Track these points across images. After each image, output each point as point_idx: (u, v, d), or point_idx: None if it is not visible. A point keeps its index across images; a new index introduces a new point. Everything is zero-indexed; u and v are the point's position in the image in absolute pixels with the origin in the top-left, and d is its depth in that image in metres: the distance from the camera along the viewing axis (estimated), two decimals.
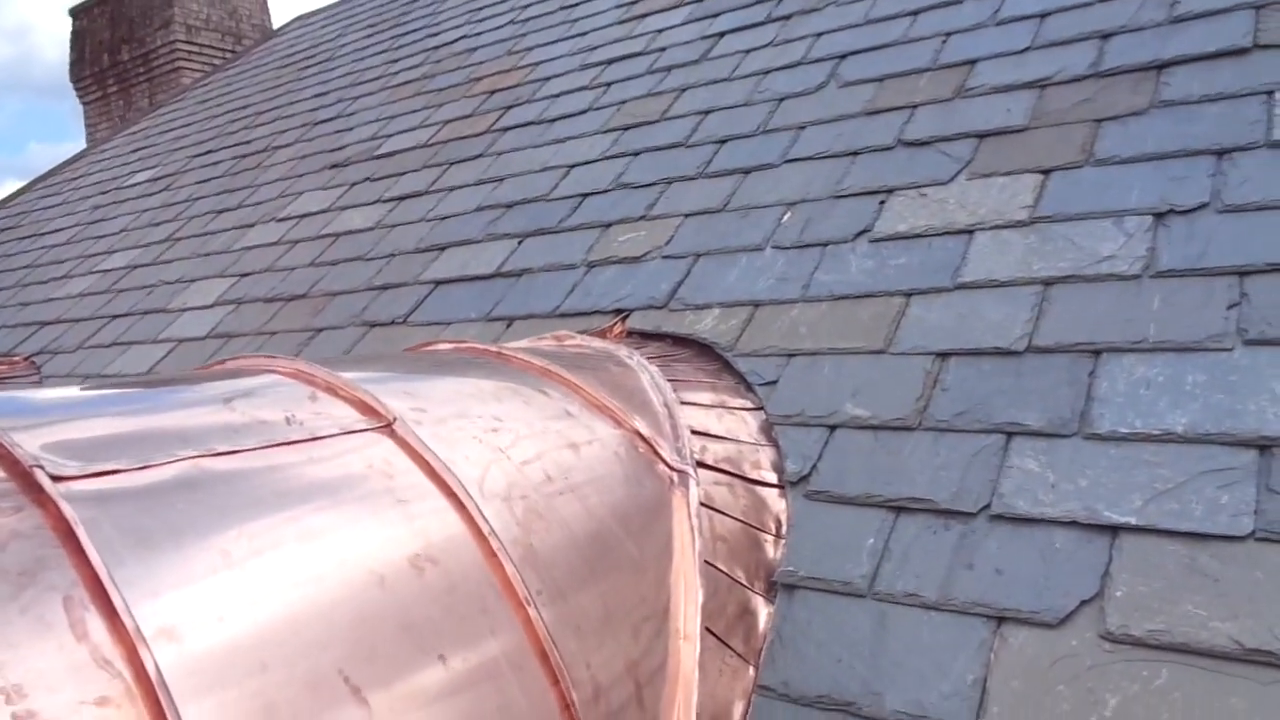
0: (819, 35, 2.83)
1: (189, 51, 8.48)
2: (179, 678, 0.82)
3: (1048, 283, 1.66)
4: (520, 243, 2.65)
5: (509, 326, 2.32)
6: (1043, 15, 2.36)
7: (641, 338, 2.03)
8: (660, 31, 3.44)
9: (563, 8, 4.22)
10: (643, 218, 2.44)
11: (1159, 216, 1.67)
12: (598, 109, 3.12)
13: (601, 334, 2.08)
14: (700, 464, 1.51)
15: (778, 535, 1.49)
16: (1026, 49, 2.27)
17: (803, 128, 2.44)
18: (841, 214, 2.07)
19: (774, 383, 1.75)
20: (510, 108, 3.52)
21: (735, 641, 1.34)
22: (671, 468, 1.47)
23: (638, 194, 2.55)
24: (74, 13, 9.19)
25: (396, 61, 4.83)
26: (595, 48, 3.61)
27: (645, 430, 1.51)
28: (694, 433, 1.59)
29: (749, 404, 1.72)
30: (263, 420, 1.16)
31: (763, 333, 1.87)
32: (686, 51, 3.19)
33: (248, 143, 4.97)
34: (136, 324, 3.57)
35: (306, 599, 0.96)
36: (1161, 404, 1.38)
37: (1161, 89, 1.94)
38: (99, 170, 6.14)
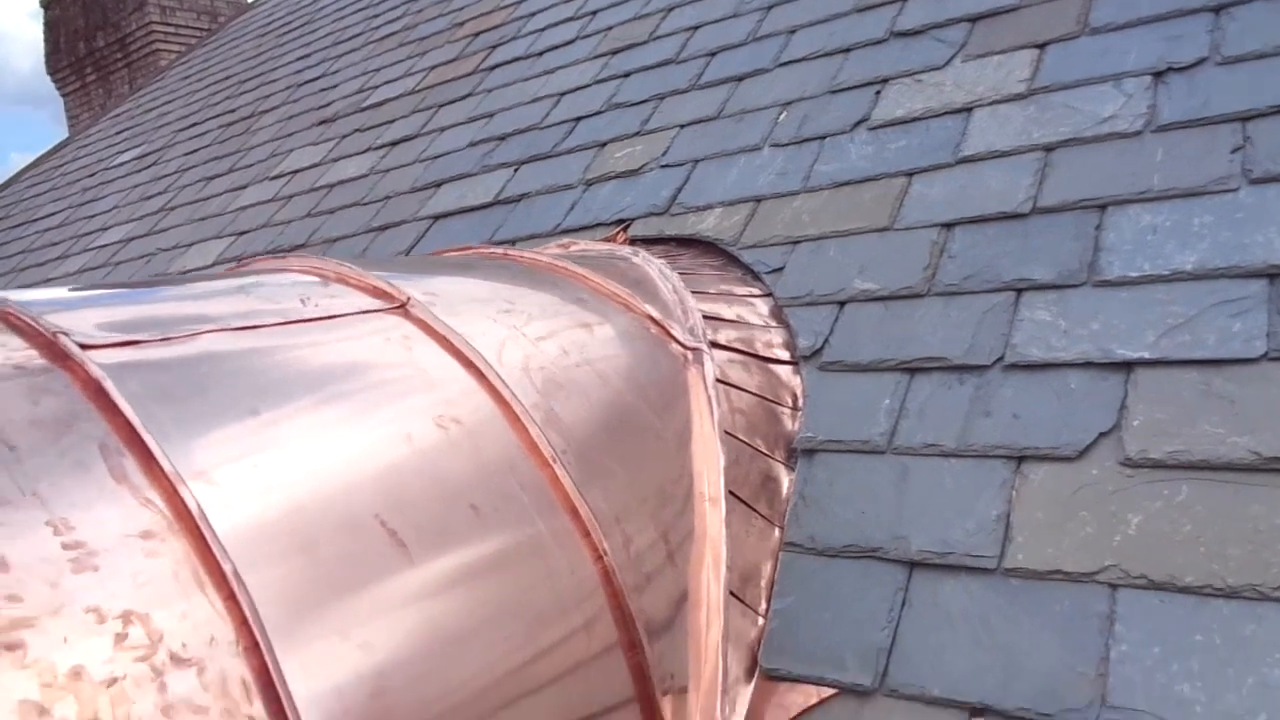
0: None
1: (165, 33, 8.35)
2: (220, 516, 0.83)
3: (1049, 148, 1.65)
4: (516, 170, 2.64)
5: (512, 247, 2.31)
6: None
7: (645, 243, 2.02)
8: None
9: None
10: (638, 133, 2.43)
11: (1158, 75, 1.66)
12: (585, 37, 3.09)
13: (605, 242, 2.08)
14: (713, 344, 1.52)
15: (794, 409, 1.51)
16: None
17: (793, 31, 2.41)
18: (838, 108, 2.06)
19: (780, 269, 1.75)
20: (496, 46, 3.49)
21: (760, 505, 1.36)
22: (685, 346, 1.48)
23: (631, 112, 2.53)
24: (45, 3, 9.05)
25: (377, 17, 4.78)
26: None
27: (656, 314, 1.51)
28: (705, 318, 1.59)
29: (757, 291, 1.73)
30: (279, 302, 1.17)
31: (766, 225, 1.87)
32: None
33: (233, 111, 4.93)
34: None
35: (336, 451, 0.98)
36: (1169, 247, 1.38)
37: None
38: (85, 155, 6.09)
